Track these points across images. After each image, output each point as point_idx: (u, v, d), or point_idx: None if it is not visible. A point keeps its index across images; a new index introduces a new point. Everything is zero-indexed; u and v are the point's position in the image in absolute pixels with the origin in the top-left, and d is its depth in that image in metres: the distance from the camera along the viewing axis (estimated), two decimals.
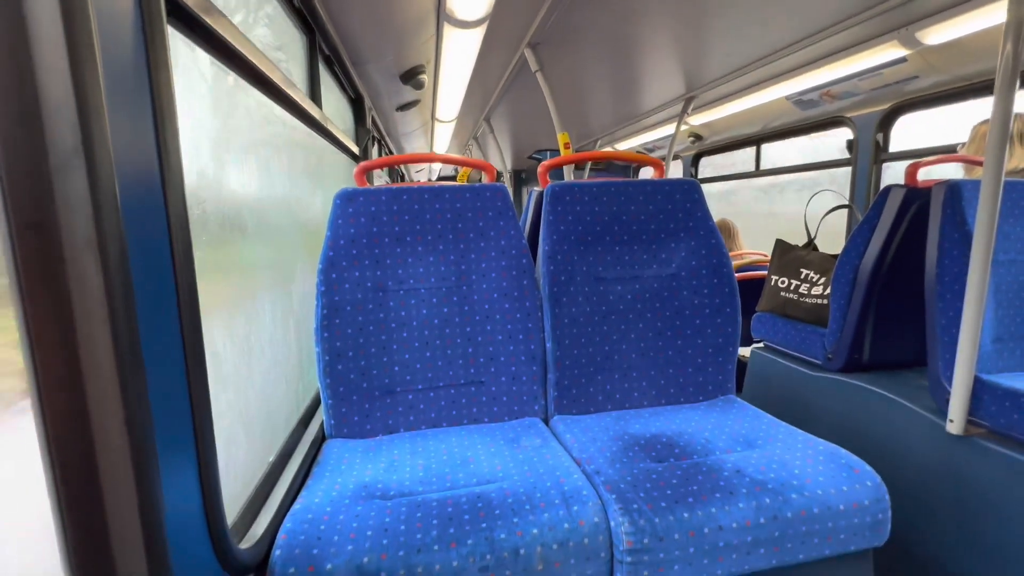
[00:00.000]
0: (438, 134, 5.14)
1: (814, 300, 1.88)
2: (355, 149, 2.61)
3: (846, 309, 1.67)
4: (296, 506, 0.90)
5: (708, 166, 4.36)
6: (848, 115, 2.64)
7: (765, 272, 2.51)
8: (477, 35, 2.19)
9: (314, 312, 1.21)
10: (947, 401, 1.27)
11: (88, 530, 0.49)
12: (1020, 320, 1.38)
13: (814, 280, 1.91)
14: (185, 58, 0.78)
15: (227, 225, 0.95)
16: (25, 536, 0.56)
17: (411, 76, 2.74)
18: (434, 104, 3.84)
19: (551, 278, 1.34)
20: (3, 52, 0.42)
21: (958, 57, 1.95)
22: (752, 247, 3.23)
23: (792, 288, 1.97)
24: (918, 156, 2.38)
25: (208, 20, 0.77)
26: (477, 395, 1.30)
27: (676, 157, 4.45)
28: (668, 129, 3.90)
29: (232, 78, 0.97)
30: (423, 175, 9.93)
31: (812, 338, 1.81)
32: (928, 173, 1.66)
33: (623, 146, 4.97)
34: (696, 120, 3.63)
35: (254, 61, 0.97)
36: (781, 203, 4.04)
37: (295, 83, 1.33)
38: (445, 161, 1.53)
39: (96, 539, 0.49)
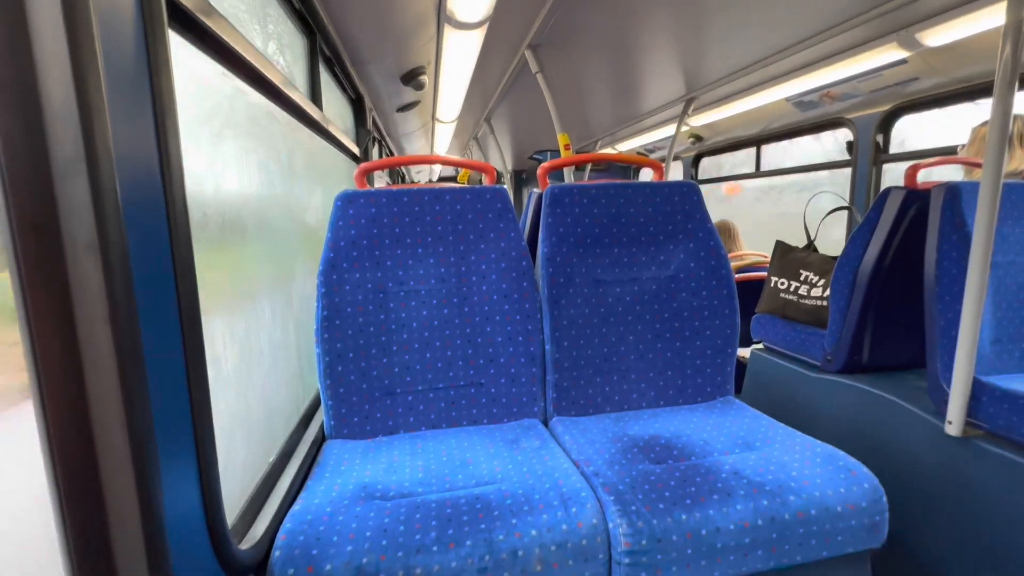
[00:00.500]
0: (439, 135, 5.14)
1: (814, 301, 1.88)
2: (355, 150, 2.62)
3: (845, 310, 1.67)
4: (296, 507, 0.90)
5: (714, 165, 4.35)
6: (848, 116, 2.64)
7: (765, 273, 2.51)
8: (477, 36, 2.20)
9: (314, 314, 1.22)
10: (946, 403, 1.28)
11: (89, 530, 0.49)
12: (1019, 322, 1.38)
13: (814, 282, 1.91)
14: (184, 59, 0.78)
15: (227, 227, 0.95)
16: (26, 536, 0.57)
17: (412, 77, 2.75)
18: (434, 105, 3.84)
19: (550, 280, 1.34)
20: (5, 56, 0.43)
21: (958, 59, 1.96)
22: (754, 244, 3.23)
23: (792, 289, 1.97)
24: (918, 158, 2.38)
25: (209, 23, 0.77)
26: (476, 396, 1.30)
27: (676, 158, 4.46)
28: (668, 130, 3.90)
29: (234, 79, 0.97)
30: (424, 176, 9.94)
31: (811, 339, 1.82)
32: (928, 175, 1.66)
33: (624, 147, 4.97)
34: (696, 121, 3.64)
35: (255, 63, 0.98)
36: (783, 205, 4.05)
37: (296, 84, 1.33)
38: (445, 163, 1.54)
39: (97, 539, 0.49)
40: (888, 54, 2.07)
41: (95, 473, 0.49)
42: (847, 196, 2.68)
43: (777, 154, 3.48)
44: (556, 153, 5.54)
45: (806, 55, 2.26)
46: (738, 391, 2.08)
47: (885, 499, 0.96)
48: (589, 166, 5.45)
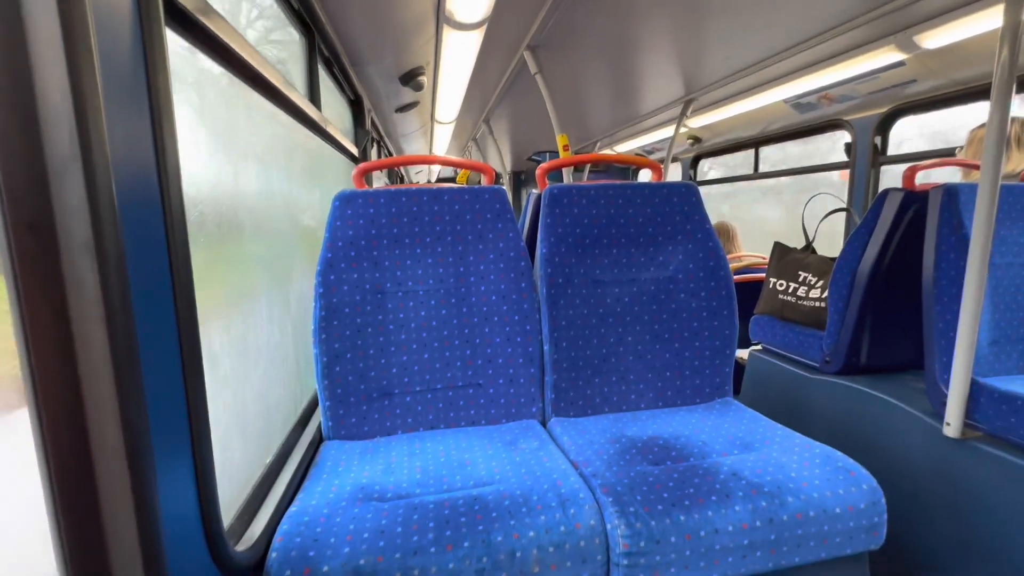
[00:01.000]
0: (437, 135, 5.14)
1: (812, 303, 1.88)
2: (354, 150, 2.61)
3: (844, 312, 1.68)
4: (293, 508, 0.90)
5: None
6: (846, 118, 2.65)
7: (763, 275, 2.51)
8: (476, 37, 2.20)
9: (312, 314, 1.21)
10: (944, 404, 1.28)
11: (83, 531, 0.49)
12: (1017, 323, 1.39)
13: (812, 283, 1.91)
14: (184, 60, 0.78)
15: (224, 226, 0.95)
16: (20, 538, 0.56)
17: (410, 78, 2.74)
18: (433, 106, 3.84)
19: (549, 280, 1.34)
20: (1, 55, 0.43)
21: (955, 61, 1.96)
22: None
23: (790, 291, 1.98)
24: (916, 160, 2.39)
25: (207, 22, 0.77)
26: (475, 397, 1.30)
27: (675, 159, 4.46)
28: (667, 131, 3.90)
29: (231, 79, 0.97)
30: (422, 176, 9.94)
31: (810, 341, 1.82)
32: (926, 177, 1.67)
33: (622, 148, 4.98)
34: (695, 122, 3.64)
35: (252, 63, 0.97)
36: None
37: (294, 85, 1.33)
38: (444, 163, 1.53)
39: (91, 540, 0.49)
40: (886, 56, 2.08)
41: (90, 474, 0.48)
42: (845, 198, 2.68)
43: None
44: (555, 154, 5.54)
45: (804, 57, 2.26)
46: (736, 392, 2.08)
47: (884, 501, 0.96)
48: (588, 167, 5.45)
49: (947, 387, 1.27)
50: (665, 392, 1.38)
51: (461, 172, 4.96)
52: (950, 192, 1.39)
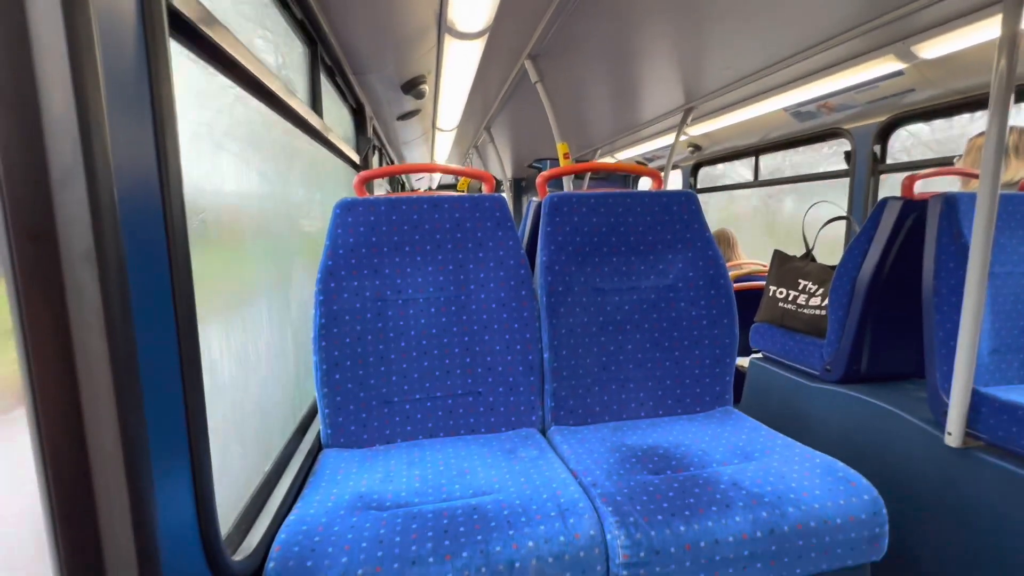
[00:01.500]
0: (439, 143, 5.17)
1: (812, 311, 1.88)
2: (356, 158, 2.63)
3: (844, 320, 1.67)
4: (291, 517, 0.89)
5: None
6: (846, 127, 2.66)
7: (763, 283, 2.51)
8: (478, 46, 2.21)
9: (312, 321, 1.21)
10: (945, 413, 1.27)
11: (81, 540, 0.49)
12: (1017, 332, 1.38)
13: (812, 291, 1.91)
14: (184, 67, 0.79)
15: (225, 235, 0.95)
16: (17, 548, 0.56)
17: (412, 86, 2.76)
18: (435, 113, 3.86)
19: (549, 288, 1.34)
20: (5, 64, 0.43)
21: (954, 71, 1.97)
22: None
23: (790, 299, 1.97)
24: (915, 168, 2.39)
25: (210, 32, 0.77)
26: (474, 405, 1.29)
27: (675, 167, 4.48)
28: (667, 139, 3.92)
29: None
30: (423, 183, 9.98)
31: (810, 349, 1.81)
32: (925, 185, 1.67)
33: (623, 156, 5.00)
34: (695, 131, 3.66)
35: (255, 72, 0.98)
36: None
37: (297, 93, 1.34)
38: (445, 171, 1.54)
39: (88, 549, 0.49)
40: (885, 66, 2.09)
41: (88, 482, 0.48)
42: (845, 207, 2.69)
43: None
44: (555, 162, 5.56)
45: (804, 66, 2.28)
46: (737, 400, 2.07)
47: (885, 511, 0.96)
48: (588, 175, 5.47)
49: (948, 396, 1.27)
50: (665, 401, 1.38)
51: (462, 179, 4.98)
52: (949, 201, 1.39)
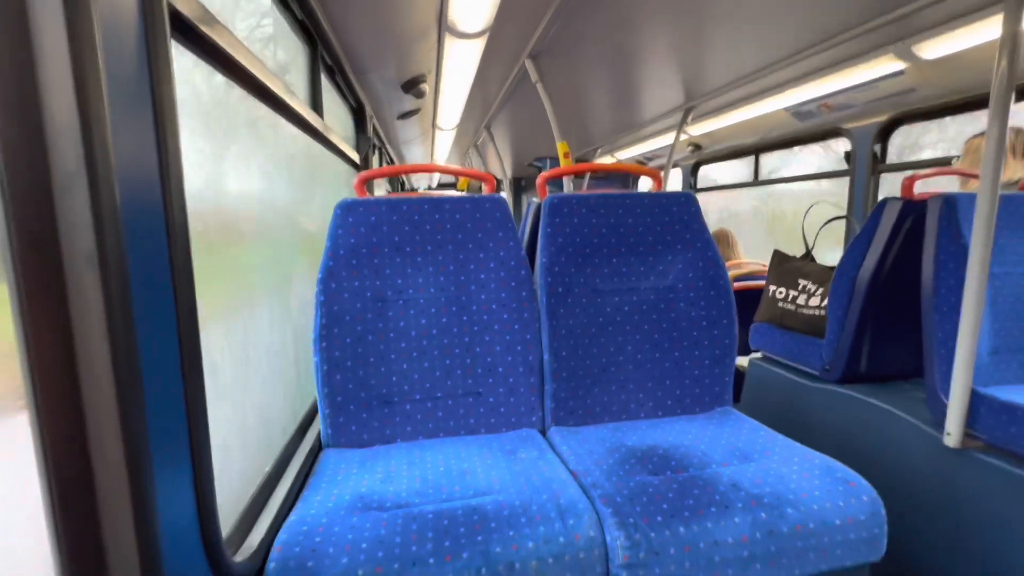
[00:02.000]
0: (439, 142, 5.16)
1: (812, 311, 1.88)
2: (356, 157, 2.63)
3: (843, 320, 1.67)
4: (292, 517, 0.90)
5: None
6: (846, 126, 2.66)
7: (763, 282, 2.51)
8: (478, 46, 2.21)
9: (312, 322, 1.21)
10: (944, 414, 1.27)
11: (83, 541, 0.49)
12: (1016, 332, 1.38)
13: (812, 291, 1.92)
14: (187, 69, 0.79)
15: (226, 236, 0.95)
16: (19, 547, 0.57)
17: (412, 85, 2.76)
18: (435, 113, 3.86)
19: (549, 289, 1.34)
20: (7, 67, 0.43)
21: (954, 71, 1.97)
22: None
23: (790, 299, 1.98)
24: (915, 168, 2.39)
25: (211, 34, 0.77)
26: (474, 406, 1.30)
27: (675, 166, 4.47)
28: (667, 139, 3.92)
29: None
30: (423, 182, 9.97)
31: (810, 349, 1.82)
32: (924, 186, 1.67)
33: (623, 155, 5.00)
34: (695, 130, 3.65)
35: (256, 73, 0.98)
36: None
37: (297, 93, 1.34)
38: (445, 172, 1.54)
39: (90, 550, 0.49)
40: (885, 65, 2.09)
41: (89, 484, 0.49)
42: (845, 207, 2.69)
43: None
44: (555, 161, 5.56)
45: (804, 65, 2.27)
46: (736, 400, 2.08)
47: (884, 512, 0.96)
48: (588, 174, 5.47)
49: (947, 397, 1.27)
50: (665, 401, 1.38)
51: (462, 179, 4.98)
52: (949, 202, 1.39)
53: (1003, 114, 1.11)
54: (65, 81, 0.45)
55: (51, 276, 0.45)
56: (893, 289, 1.61)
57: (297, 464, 1.13)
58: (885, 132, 2.51)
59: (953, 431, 1.25)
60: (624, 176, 6.14)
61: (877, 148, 2.54)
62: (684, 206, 1.44)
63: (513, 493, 0.96)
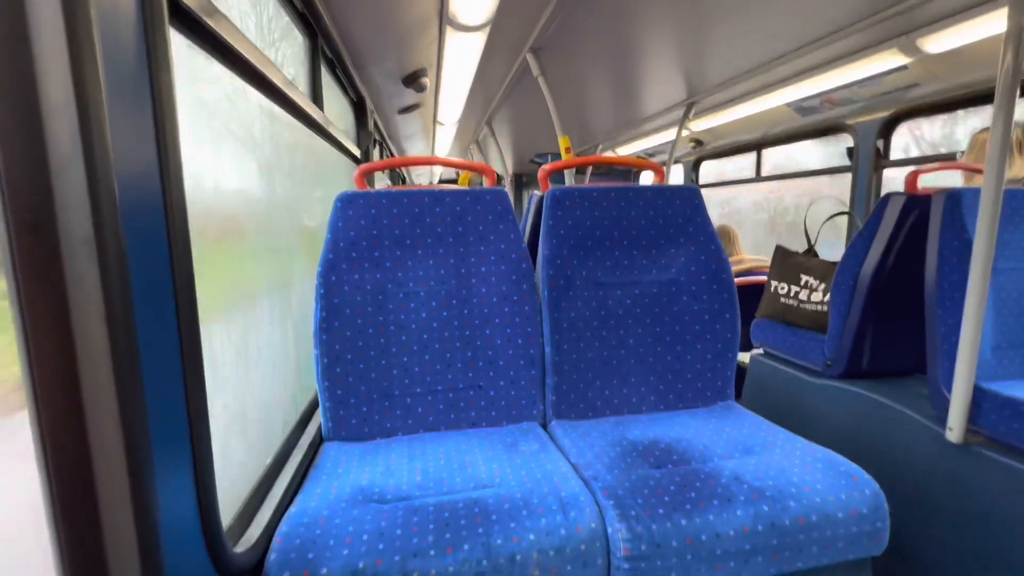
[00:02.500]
0: (440, 137, 5.15)
1: (814, 306, 1.88)
2: (356, 152, 2.62)
3: (846, 316, 1.67)
4: (292, 509, 0.90)
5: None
6: (849, 122, 2.64)
7: (765, 278, 2.50)
8: (479, 39, 2.20)
9: (313, 314, 1.21)
10: (947, 409, 1.27)
11: (82, 530, 0.49)
12: (1019, 328, 1.38)
13: (814, 286, 1.91)
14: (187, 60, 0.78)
15: (226, 226, 0.95)
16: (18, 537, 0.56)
17: (413, 79, 2.75)
18: (436, 107, 3.85)
19: (550, 282, 1.34)
20: (4, 53, 0.43)
21: (959, 65, 1.96)
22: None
23: (792, 294, 1.97)
24: (918, 163, 2.38)
25: (210, 22, 0.77)
26: (476, 399, 1.29)
27: (677, 162, 4.46)
28: (669, 134, 3.90)
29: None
30: (424, 178, 9.94)
31: (812, 344, 1.81)
32: (928, 181, 1.66)
33: (624, 151, 4.98)
34: (697, 126, 3.64)
35: (256, 63, 0.97)
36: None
37: (297, 85, 1.33)
38: (445, 164, 1.53)
39: (90, 540, 0.49)
40: (889, 60, 2.07)
41: (89, 473, 0.48)
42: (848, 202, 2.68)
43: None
44: (557, 156, 5.54)
45: (807, 60, 2.26)
46: (738, 396, 2.07)
47: (886, 506, 0.96)
48: (590, 169, 5.45)
49: (950, 392, 1.27)
50: (667, 395, 1.38)
51: (463, 174, 4.97)
52: (953, 197, 1.38)
53: (1008, 109, 1.11)
54: (62, 66, 0.44)
55: (48, 260, 0.45)
56: (896, 284, 1.60)
57: (298, 457, 1.13)
58: (888, 127, 2.50)
59: (956, 426, 1.24)
60: (626, 173, 6.12)
61: (880, 143, 2.53)
62: (688, 200, 1.43)
63: (514, 486, 0.96)
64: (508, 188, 6.83)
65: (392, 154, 5.68)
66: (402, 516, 0.87)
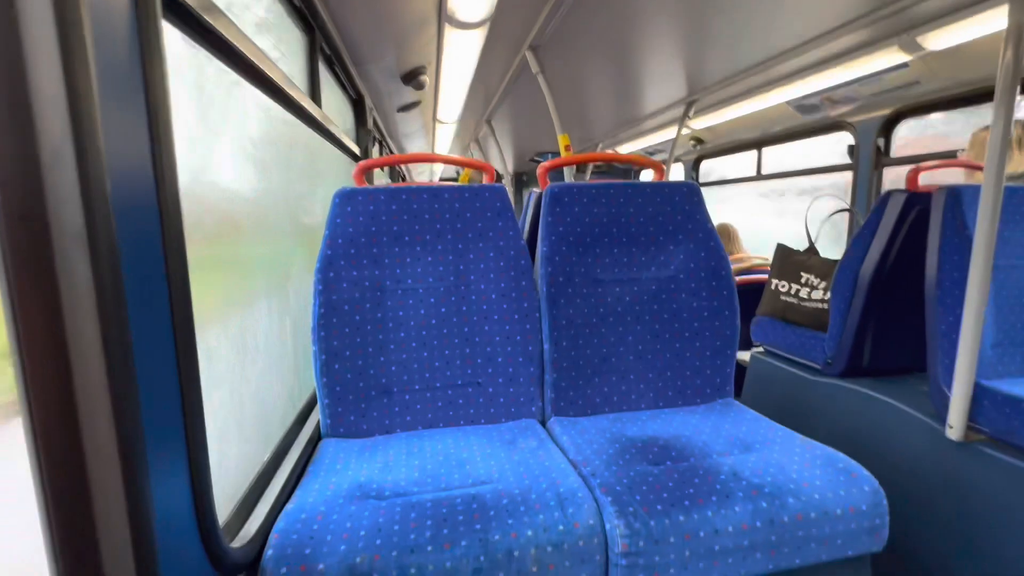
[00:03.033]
0: (439, 135, 5.14)
1: (814, 305, 1.87)
2: (356, 150, 2.61)
3: (846, 314, 1.67)
4: (290, 505, 0.89)
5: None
6: (849, 120, 2.64)
7: (765, 276, 2.50)
8: (478, 37, 2.19)
9: (311, 311, 1.21)
10: (947, 407, 1.27)
11: (75, 527, 0.48)
12: (1020, 325, 1.38)
13: (814, 284, 1.90)
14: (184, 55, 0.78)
15: (222, 222, 0.94)
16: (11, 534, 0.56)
17: (412, 77, 2.74)
18: (435, 105, 3.84)
19: (549, 279, 1.34)
20: None
21: (959, 63, 1.95)
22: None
23: (792, 292, 1.97)
24: (919, 161, 2.37)
25: (206, 16, 0.76)
26: (474, 396, 1.29)
27: (677, 160, 4.45)
28: (669, 133, 3.90)
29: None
30: (424, 177, 9.93)
31: (812, 343, 1.81)
32: (929, 178, 1.66)
33: (624, 149, 4.97)
34: (697, 124, 3.63)
35: (253, 59, 0.97)
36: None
37: (295, 82, 1.33)
38: (444, 161, 1.53)
39: (83, 536, 0.49)
40: (889, 58, 2.07)
41: (82, 468, 0.48)
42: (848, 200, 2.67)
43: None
44: (557, 155, 5.54)
45: (807, 58, 2.25)
46: (738, 394, 2.07)
47: (886, 502, 0.95)
48: (590, 167, 5.45)
49: (950, 390, 1.26)
50: (666, 392, 1.37)
51: (463, 174, 4.96)
52: (953, 194, 1.38)
53: (1008, 106, 1.10)
54: (52, 58, 0.44)
55: (39, 254, 0.44)
56: (896, 282, 1.60)
57: (296, 453, 1.13)
58: (889, 125, 2.49)
59: (956, 424, 1.24)
60: (626, 172, 6.12)
61: (881, 142, 2.52)
62: (687, 196, 1.43)
63: (512, 482, 0.96)
64: (508, 187, 6.83)
65: (392, 152, 5.68)
66: (400, 512, 0.86)
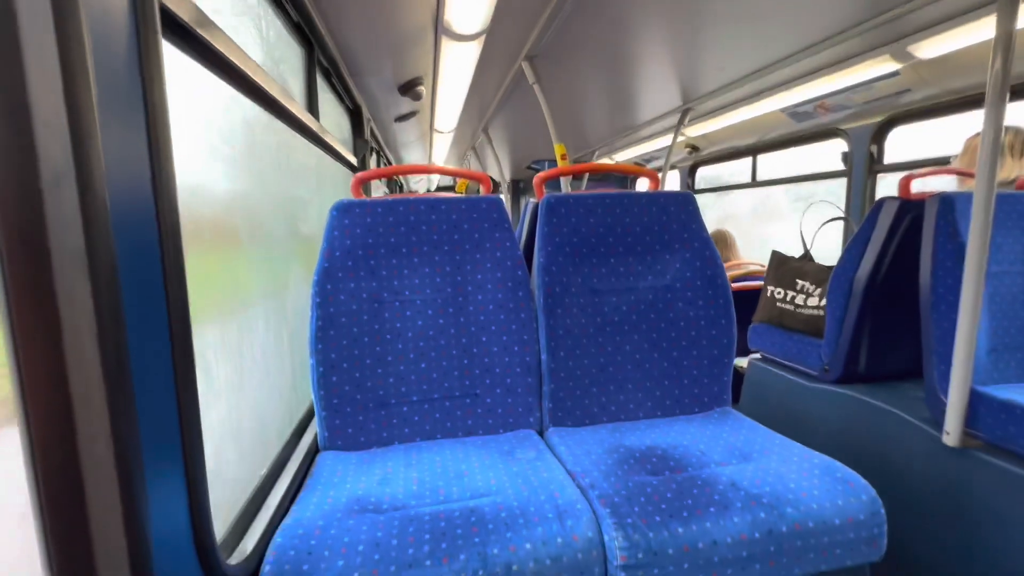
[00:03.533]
0: (436, 145, 5.16)
1: (810, 311, 1.88)
2: (353, 160, 2.62)
3: (842, 320, 1.67)
4: (287, 520, 0.89)
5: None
6: (842, 127, 2.66)
7: (761, 283, 2.51)
8: (475, 48, 2.21)
9: (308, 323, 1.21)
10: (943, 413, 1.27)
11: (72, 545, 0.48)
12: (1015, 331, 1.38)
13: (810, 291, 1.91)
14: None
15: (220, 237, 0.95)
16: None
17: (409, 88, 2.76)
18: (432, 115, 3.86)
19: (546, 289, 1.34)
20: None
21: (950, 71, 1.98)
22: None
23: (788, 299, 1.97)
24: (912, 168, 2.40)
25: (204, 34, 0.77)
26: (472, 407, 1.29)
27: (673, 167, 4.48)
28: (665, 141, 3.92)
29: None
30: (421, 186, 9.96)
31: (808, 349, 1.81)
32: (922, 185, 1.67)
33: (620, 157, 5.00)
34: (692, 131, 3.66)
35: (251, 74, 0.98)
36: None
37: (293, 95, 1.34)
38: (441, 172, 1.54)
39: (80, 553, 0.49)
40: (881, 66, 2.09)
41: (79, 486, 0.48)
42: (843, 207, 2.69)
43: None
44: (553, 163, 5.56)
45: (800, 67, 2.28)
46: (736, 401, 2.07)
47: (883, 512, 0.95)
48: (586, 177, 5.47)
49: (946, 396, 1.27)
50: (663, 401, 1.38)
51: (460, 181, 4.98)
52: (946, 201, 1.39)
53: (998, 113, 1.12)
54: (53, 78, 0.45)
55: (39, 273, 0.45)
56: (891, 289, 1.60)
57: (293, 467, 1.13)
58: (881, 132, 2.52)
59: (952, 430, 1.24)
60: (622, 180, 6.14)
61: (874, 148, 2.54)
62: (682, 205, 1.43)
63: (511, 494, 0.95)
64: (506, 195, 6.85)
65: (389, 162, 5.69)
66: (398, 526, 0.86)
